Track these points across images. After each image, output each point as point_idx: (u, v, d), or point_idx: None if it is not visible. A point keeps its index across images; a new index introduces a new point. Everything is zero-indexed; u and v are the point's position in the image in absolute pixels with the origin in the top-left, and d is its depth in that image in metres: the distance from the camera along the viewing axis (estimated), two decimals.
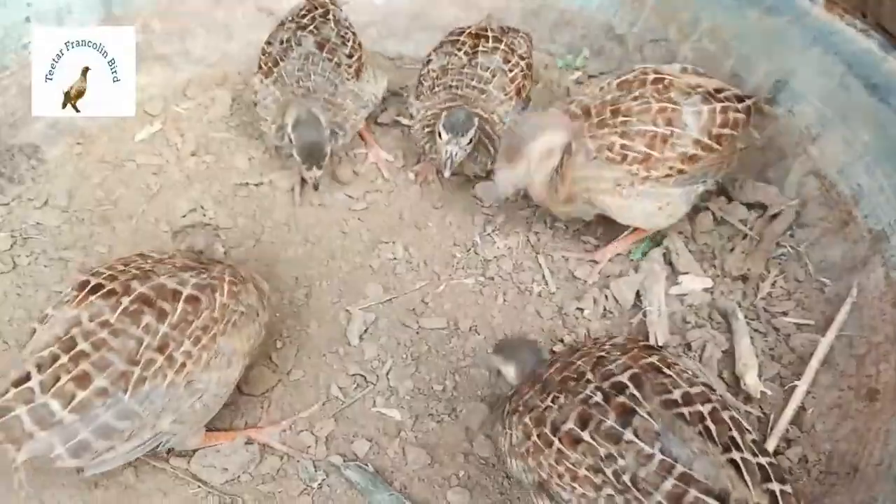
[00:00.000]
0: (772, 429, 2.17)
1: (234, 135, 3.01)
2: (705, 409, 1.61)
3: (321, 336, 2.43)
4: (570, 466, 1.61)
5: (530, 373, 1.90)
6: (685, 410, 1.59)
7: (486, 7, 3.07)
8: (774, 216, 2.62)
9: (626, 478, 1.54)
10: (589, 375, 1.70)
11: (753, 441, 1.61)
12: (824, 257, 2.52)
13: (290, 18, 2.76)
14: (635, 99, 2.24)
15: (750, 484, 1.51)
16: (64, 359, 1.73)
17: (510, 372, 1.98)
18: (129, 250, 2.47)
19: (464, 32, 2.70)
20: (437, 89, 2.59)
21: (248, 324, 2.00)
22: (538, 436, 1.68)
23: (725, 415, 1.62)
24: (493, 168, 2.38)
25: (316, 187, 2.59)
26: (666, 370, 1.69)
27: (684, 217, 2.53)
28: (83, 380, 1.72)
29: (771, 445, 2.13)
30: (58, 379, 1.72)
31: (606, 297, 2.51)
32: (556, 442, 1.63)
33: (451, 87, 2.56)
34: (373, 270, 2.61)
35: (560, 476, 1.64)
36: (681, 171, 2.25)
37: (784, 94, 2.67)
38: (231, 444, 2.12)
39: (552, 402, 1.69)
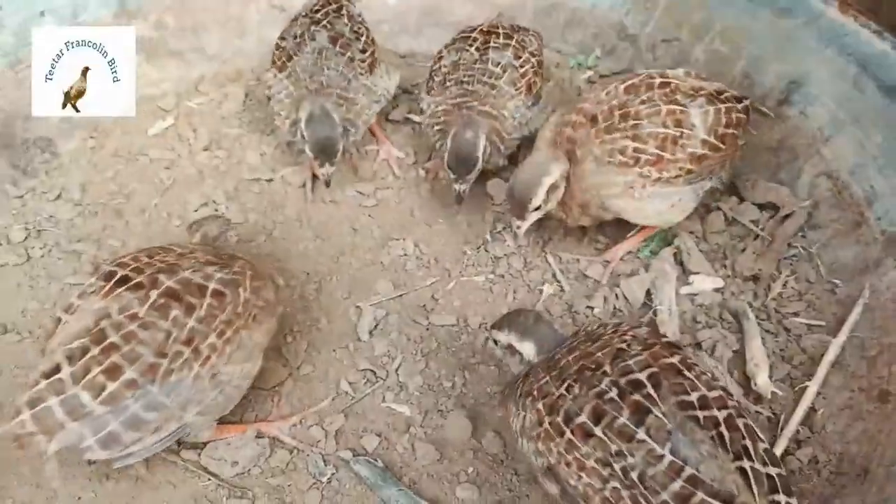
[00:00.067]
0: (782, 429, 2.17)
1: (247, 130, 3.03)
2: (721, 414, 1.60)
3: (331, 331, 2.44)
4: (579, 457, 1.62)
5: (548, 350, 1.85)
6: (700, 414, 1.59)
7: (498, 4, 3.09)
8: (786, 217, 2.61)
9: (633, 475, 1.54)
10: (606, 367, 1.69)
11: (766, 450, 1.61)
12: (836, 258, 2.51)
13: (303, 13, 2.77)
14: (643, 102, 2.27)
15: (756, 493, 1.51)
16: (94, 350, 1.75)
17: (529, 350, 1.91)
18: (141, 244, 2.51)
19: (475, 29, 2.72)
20: (447, 84, 2.60)
21: (268, 318, 2.05)
22: (550, 423, 1.68)
23: (740, 422, 1.61)
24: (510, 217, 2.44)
25: (327, 184, 2.60)
26: (686, 372, 1.68)
27: (695, 217, 2.55)
28: (114, 372, 1.74)
29: (781, 446, 2.13)
30: (88, 370, 1.73)
31: (617, 295, 2.50)
32: (568, 433, 1.63)
33: (462, 82, 2.57)
34: (383, 267, 2.61)
35: (568, 464, 1.64)
36: (689, 171, 2.29)
37: (797, 96, 2.67)
38: (241, 438, 2.13)
39: (566, 391, 1.69)
